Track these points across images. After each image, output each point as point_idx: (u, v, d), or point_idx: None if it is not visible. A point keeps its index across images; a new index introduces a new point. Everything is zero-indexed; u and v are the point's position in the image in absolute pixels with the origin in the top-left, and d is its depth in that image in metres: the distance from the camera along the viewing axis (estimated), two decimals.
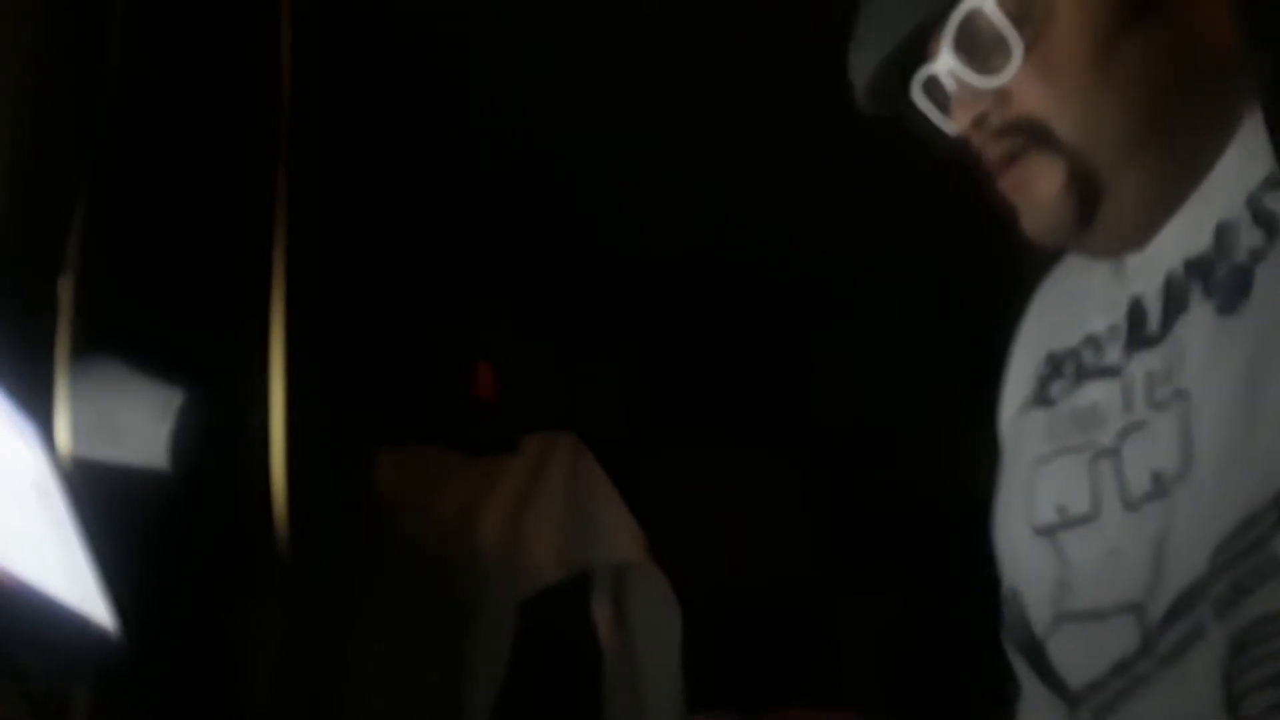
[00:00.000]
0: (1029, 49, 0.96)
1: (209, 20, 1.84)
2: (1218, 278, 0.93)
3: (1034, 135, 0.97)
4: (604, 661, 2.72)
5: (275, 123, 1.86)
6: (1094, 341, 1.03)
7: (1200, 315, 0.93)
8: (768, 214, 2.98)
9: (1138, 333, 0.99)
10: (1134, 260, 1.02)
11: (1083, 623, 0.97)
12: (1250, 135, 0.95)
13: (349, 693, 2.41)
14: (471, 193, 2.84)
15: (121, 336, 1.65)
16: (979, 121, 0.99)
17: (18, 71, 1.60)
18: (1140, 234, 1.00)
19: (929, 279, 3.12)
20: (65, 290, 1.58)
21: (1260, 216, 0.92)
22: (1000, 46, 0.97)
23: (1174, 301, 0.96)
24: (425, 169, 2.74)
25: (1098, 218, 0.98)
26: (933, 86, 1.03)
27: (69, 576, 1.19)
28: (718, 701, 2.77)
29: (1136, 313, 0.99)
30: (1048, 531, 1.01)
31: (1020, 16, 0.96)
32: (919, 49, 1.01)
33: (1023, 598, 1.04)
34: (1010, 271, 1.13)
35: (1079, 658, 0.98)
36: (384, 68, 2.45)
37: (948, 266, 3.01)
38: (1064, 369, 1.06)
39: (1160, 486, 0.92)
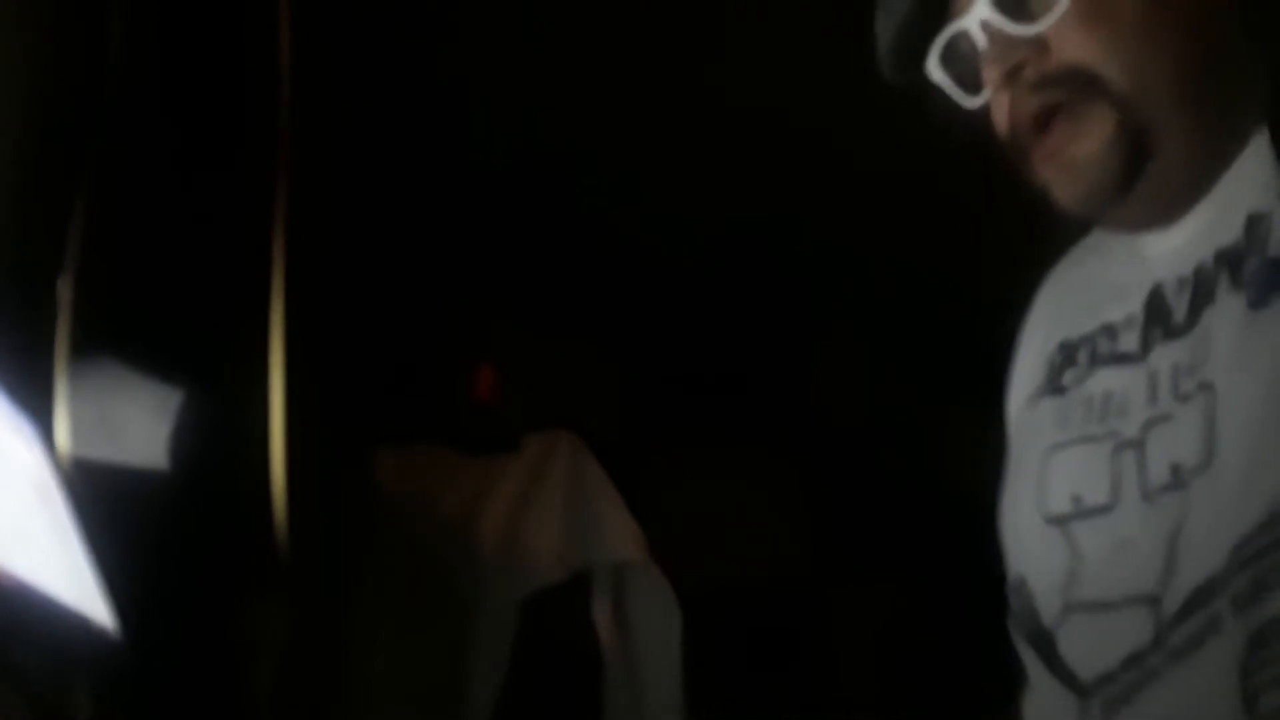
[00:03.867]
0: None
1: (209, 20, 1.84)
2: (1248, 271, 0.91)
3: (1079, 85, 0.94)
4: (604, 661, 2.72)
5: (275, 123, 1.86)
6: (1110, 329, 1.01)
7: (1229, 308, 0.91)
8: (768, 214, 2.98)
9: (1161, 322, 0.97)
10: (1153, 247, 1.00)
11: (1092, 613, 0.97)
12: None
13: (349, 692, 2.41)
14: (472, 192, 2.84)
15: (121, 337, 1.64)
16: (1014, 73, 0.96)
17: (18, 72, 1.60)
18: (1176, 207, 0.97)
19: (929, 278, 3.11)
20: (65, 290, 1.58)
21: None
22: None
23: (1201, 292, 0.94)
24: (426, 169, 2.74)
25: (1142, 180, 0.94)
26: (953, 55, 1.00)
27: (69, 576, 1.19)
28: (718, 701, 2.77)
29: (1156, 301, 0.98)
30: (1060, 521, 1.00)
31: None
32: (944, 7, 0.99)
33: (1030, 587, 1.02)
34: (1012, 270, 1.12)
35: (1089, 649, 0.97)
36: (385, 67, 2.45)
37: (948, 263, 3.00)
38: (1078, 356, 1.04)
39: (1178, 478, 0.91)
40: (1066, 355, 1.05)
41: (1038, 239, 1.03)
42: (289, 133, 1.86)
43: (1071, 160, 0.96)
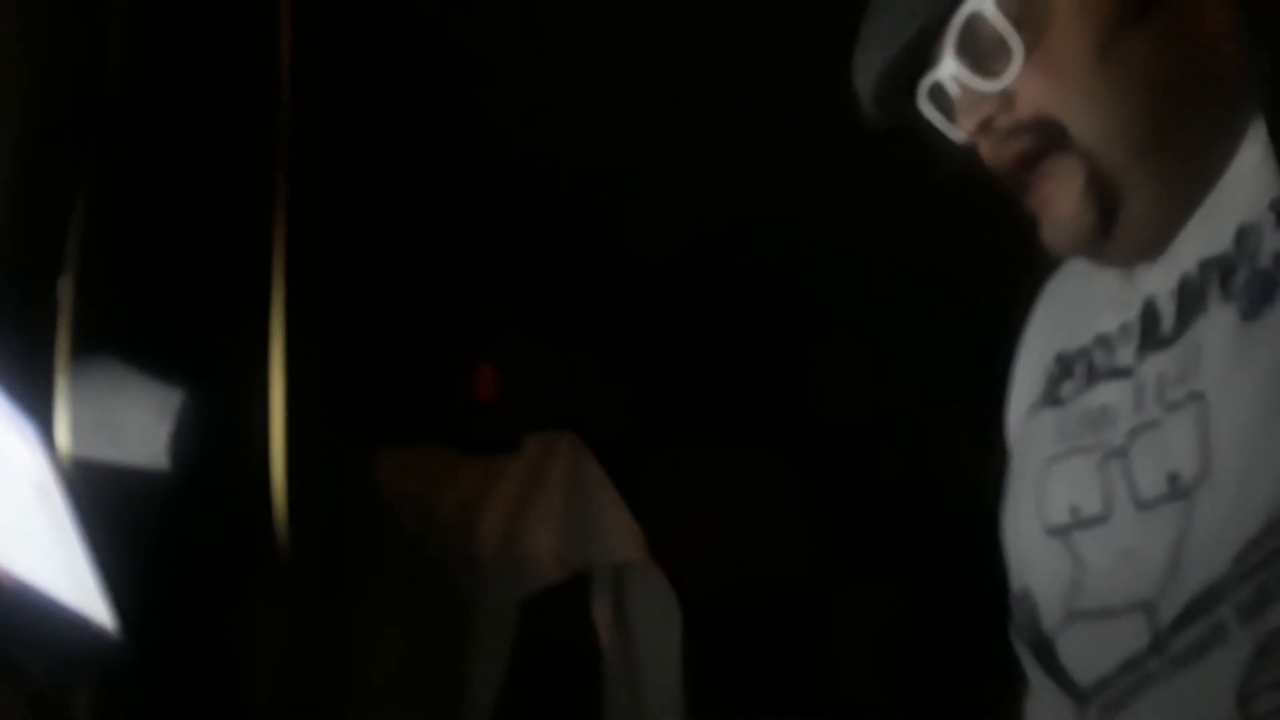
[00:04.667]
0: (1030, 49, 0.96)
1: (209, 20, 1.84)
2: (1239, 281, 0.92)
3: (1048, 134, 0.97)
4: (604, 661, 2.72)
5: (276, 123, 1.86)
6: (1105, 341, 1.03)
7: (1220, 318, 0.92)
8: (768, 215, 2.98)
9: (1151, 334, 0.98)
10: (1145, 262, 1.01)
11: (1093, 620, 0.97)
12: (1267, 144, 0.95)
13: (349, 692, 2.41)
14: (472, 193, 2.84)
15: (121, 337, 1.64)
16: (985, 125, 0.99)
17: (18, 72, 1.60)
18: (1158, 241, 0.99)
19: (929, 278, 3.12)
20: (65, 290, 1.58)
21: None
22: (1001, 49, 0.97)
23: (1189, 303, 0.95)
24: (427, 169, 2.74)
25: (1117, 226, 0.97)
26: (938, 93, 1.03)
27: (69, 576, 1.19)
28: (718, 701, 2.77)
29: (1150, 313, 0.99)
30: (1061, 532, 1.01)
31: (1021, 18, 0.96)
32: (923, 56, 1.01)
33: (1035, 597, 1.03)
34: (1012, 271, 1.13)
35: (1088, 655, 0.98)
36: (386, 67, 2.45)
37: (949, 266, 3.01)
38: (1075, 369, 1.05)
39: (1178, 488, 0.91)
40: (1064, 367, 1.07)
41: (1037, 239, 1.04)
42: (289, 133, 1.86)
43: (1051, 213, 0.99)
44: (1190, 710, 0.90)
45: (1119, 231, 0.98)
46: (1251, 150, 0.96)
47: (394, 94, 2.52)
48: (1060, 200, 0.98)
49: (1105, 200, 0.97)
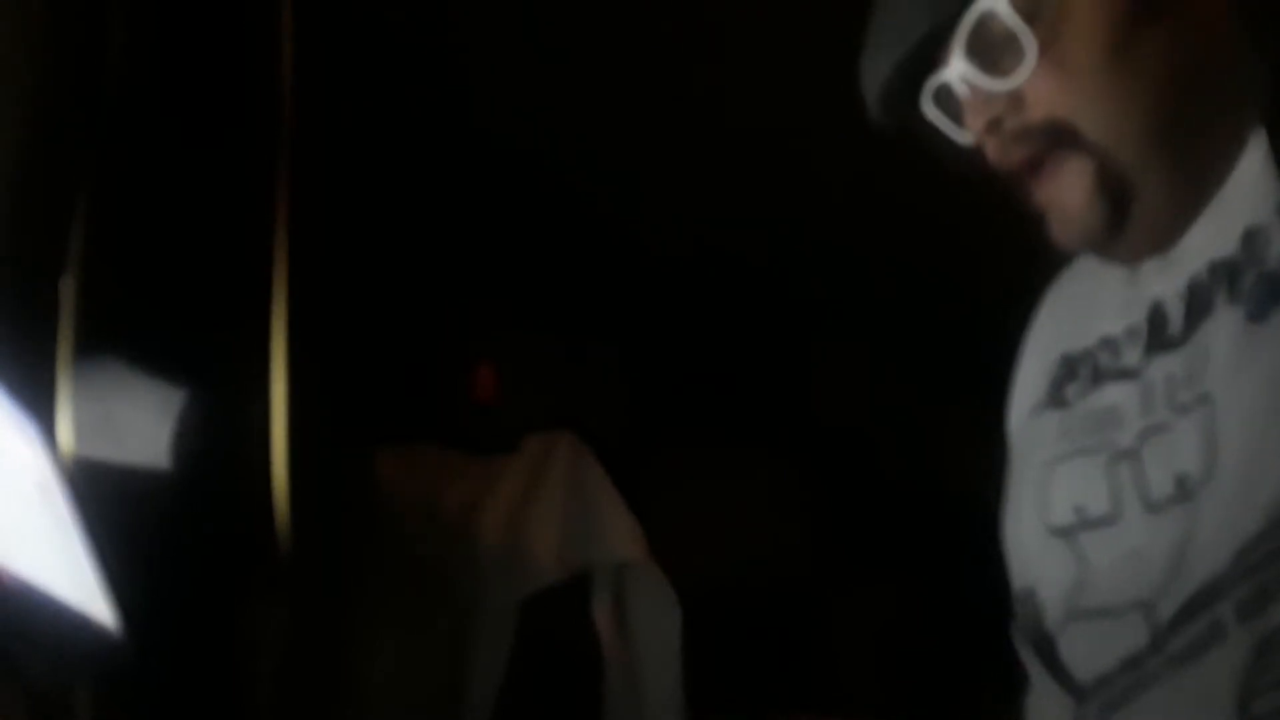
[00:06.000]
0: (1043, 48, 0.95)
1: (209, 20, 1.84)
2: (1246, 284, 0.92)
3: (1057, 137, 0.96)
4: (604, 661, 2.72)
5: (276, 122, 1.86)
6: (1110, 343, 1.02)
7: (1227, 320, 0.92)
8: (768, 215, 2.98)
9: (1158, 335, 0.98)
10: (1152, 262, 1.01)
11: (1093, 619, 0.97)
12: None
13: (349, 692, 2.41)
14: (473, 192, 2.84)
15: (123, 336, 1.64)
16: (993, 126, 0.99)
17: (18, 71, 1.60)
18: (1169, 237, 0.99)
19: (931, 278, 3.12)
20: (66, 290, 1.58)
21: None
22: (1013, 47, 0.96)
23: (1197, 305, 0.95)
24: (427, 168, 2.74)
25: (1129, 221, 0.97)
26: (944, 96, 1.02)
27: (70, 576, 1.19)
28: (718, 701, 2.77)
29: (1157, 316, 0.99)
30: (1065, 532, 1.01)
31: (1033, 15, 0.96)
32: (930, 57, 1.01)
33: (1038, 597, 1.03)
34: (1015, 272, 1.13)
35: (1088, 653, 0.98)
36: (386, 67, 2.45)
37: (950, 266, 3.01)
38: (1079, 370, 1.05)
39: (1184, 490, 0.91)
40: (1068, 369, 1.07)
41: (1039, 239, 1.04)
42: (290, 132, 1.86)
43: (1061, 208, 0.99)
44: (1189, 709, 0.90)
45: (1131, 226, 0.97)
46: (1255, 154, 0.96)
47: (395, 94, 2.52)
48: (1070, 195, 0.97)
49: (1117, 195, 0.96)
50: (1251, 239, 0.93)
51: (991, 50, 0.98)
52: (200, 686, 1.69)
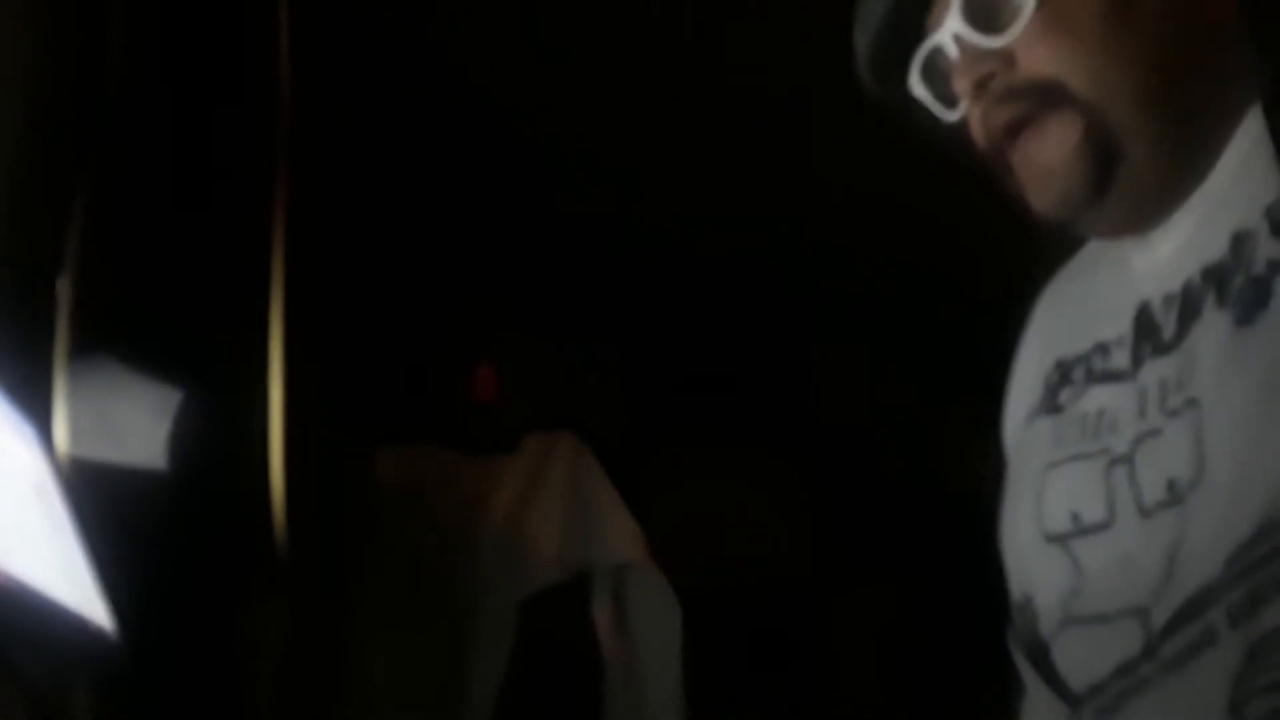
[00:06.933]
0: (1039, 3, 0.95)
1: (209, 20, 1.84)
2: (1234, 288, 0.92)
3: (1044, 97, 0.96)
4: (604, 661, 2.72)
5: (275, 122, 1.86)
6: (1104, 348, 1.02)
7: (1214, 325, 0.92)
8: (768, 215, 2.98)
9: (1149, 339, 0.97)
10: (1140, 263, 1.01)
11: (1088, 625, 0.97)
12: (1261, 137, 0.94)
13: (349, 692, 2.41)
14: (473, 191, 2.84)
15: (121, 336, 1.64)
16: (982, 84, 0.98)
17: (18, 71, 1.60)
18: (1152, 214, 0.98)
19: (931, 278, 3.12)
20: (64, 290, 1.58)
21: None
22: (1008, 3, 0.96)
23: (1189, 309, 0.95)
24: (427, 168, 2.74)
25: (1114, 185, 0.96)
26: (932, 69, 1.02)
27: (68, 577, 1.19)
28: (718, 701, 2.77)
29: (1144, 319, 0.98)
30: (1061, 539, 1.00)
31: None
32: (921, 19, 1.01)
33: (1034, 604, 1.03)
34: (1012, 272, 1.12)
35: (1083, 660, 0.97)
36: (386, 66, 2.44)
37: (949, 267, 3.01)
38: (1073, 375, 1.04)
39: (1175, 494, 0.91)
40: (1063, 374, 1.06)
41: (1036, 239, 1.04)
42: (289, 132, 1.86)
43: (1041, 167, 0.97)
44: (1182, 714, 0.89)
45: (1114, 192, 0.96)
46: (1243, 141, 0.96)
47: (394, 93, 2.52)
48: (1054, 151, 0.96)
49: (1104, 153, 0.95)
50: (1240, 243, 0.93)
51: (987, 6, 0.97)
52: (199, 687, 1.69)
